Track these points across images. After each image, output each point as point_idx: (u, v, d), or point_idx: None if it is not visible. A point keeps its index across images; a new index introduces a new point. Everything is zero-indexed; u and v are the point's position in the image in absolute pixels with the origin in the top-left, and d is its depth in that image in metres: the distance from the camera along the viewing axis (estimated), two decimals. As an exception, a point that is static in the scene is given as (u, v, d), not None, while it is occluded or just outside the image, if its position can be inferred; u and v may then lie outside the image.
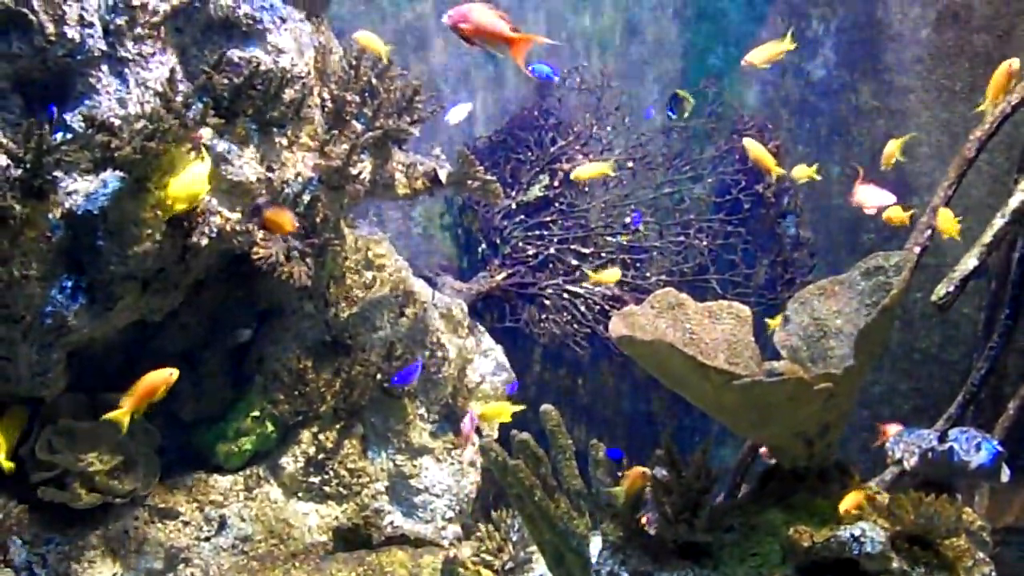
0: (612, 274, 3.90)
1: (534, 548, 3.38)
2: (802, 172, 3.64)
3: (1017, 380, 3.71)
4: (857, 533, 2.38)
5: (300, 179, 3.23)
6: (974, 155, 3.47)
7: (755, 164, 3.66)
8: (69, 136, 2.86)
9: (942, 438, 3.16)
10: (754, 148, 3.59)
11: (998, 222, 3.26)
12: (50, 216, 2.83)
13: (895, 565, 2.39)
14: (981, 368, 3.60)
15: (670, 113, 3.97)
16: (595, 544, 2.71)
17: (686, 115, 4.00)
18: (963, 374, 3.83)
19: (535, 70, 3.87)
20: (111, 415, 2.77)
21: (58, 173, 2.81)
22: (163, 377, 2.80)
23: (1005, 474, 3.15)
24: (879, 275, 2.55)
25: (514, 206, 4.27)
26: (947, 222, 3.23)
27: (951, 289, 3.15)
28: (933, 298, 3.17)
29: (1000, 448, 3.10)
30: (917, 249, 3.35)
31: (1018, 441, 3.62)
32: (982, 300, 3.87)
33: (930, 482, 3.06)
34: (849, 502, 2.44)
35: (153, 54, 3.01)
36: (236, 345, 3.52)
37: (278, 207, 3.11)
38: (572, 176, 3.85)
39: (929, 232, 3.40)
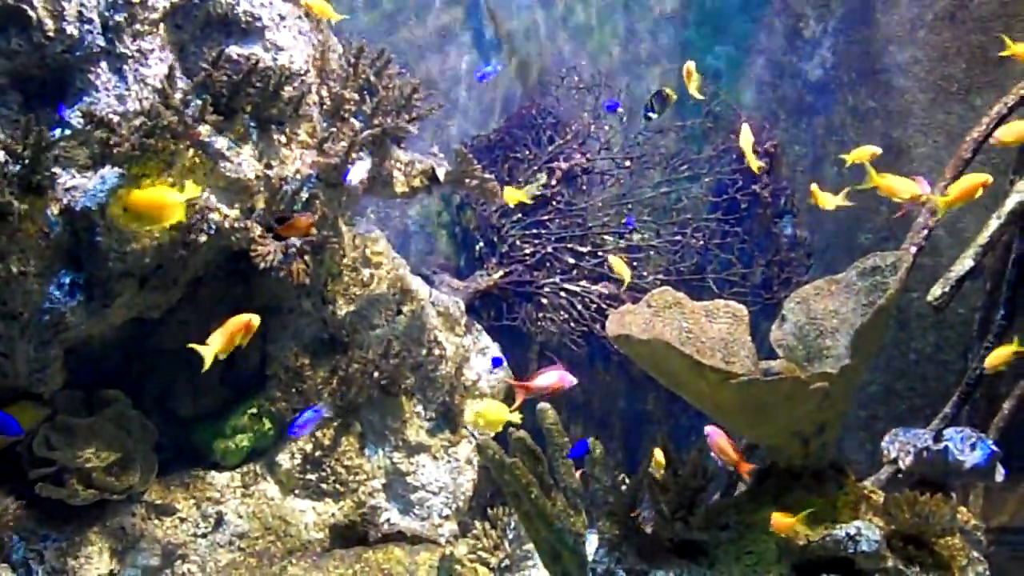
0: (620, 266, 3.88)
1: (531, 546, 3.39)
2: (828, 200, 3.49)
3: (1012, 380, 3.72)
4: (852, 532, 2.39)
5: (298, 176, 3.24)
6: (970, 156, 3.49)
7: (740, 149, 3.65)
8: (67, 132, 2.87)
9: (937, 437, 3.17)
10: (744, 137, 3.57)
11: (993, 223, 3.28)
12: (48, 212, 2.83)
13: (890, 563, 2.41)
14: (976, 368, 3.62)
15: (649, 113, 3.96)
16: (591, 542, 2.72)
17: (664, 113, 3.97)
18: (958, 374, 3.84)
19: (481, 75, 3.88)
20: (196, 346, 2.68)
21: (56, 169, 2.82)
22: (244, 321, 2.75)
23: (999, 474, 3.16)
24: (875, 275, 2.56)
25: (511, 204, 4.27)
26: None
27: (947, 290, 3.17)
28: (929, 298, 3.18)
29: (995, 448, 3.11)
30: (913, 249, 3.36)
31: (1012, 441, 3.63)
32: (978, 300, 3.88)
33: (925, 481, 3.07)
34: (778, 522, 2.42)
35: (152, 51, 3.02)
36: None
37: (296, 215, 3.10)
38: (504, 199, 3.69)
39: (925, 232, 3.42)
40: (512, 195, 3.62)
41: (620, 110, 4.24)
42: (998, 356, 3.17)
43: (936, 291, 3.18)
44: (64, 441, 3.12)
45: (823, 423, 2.50)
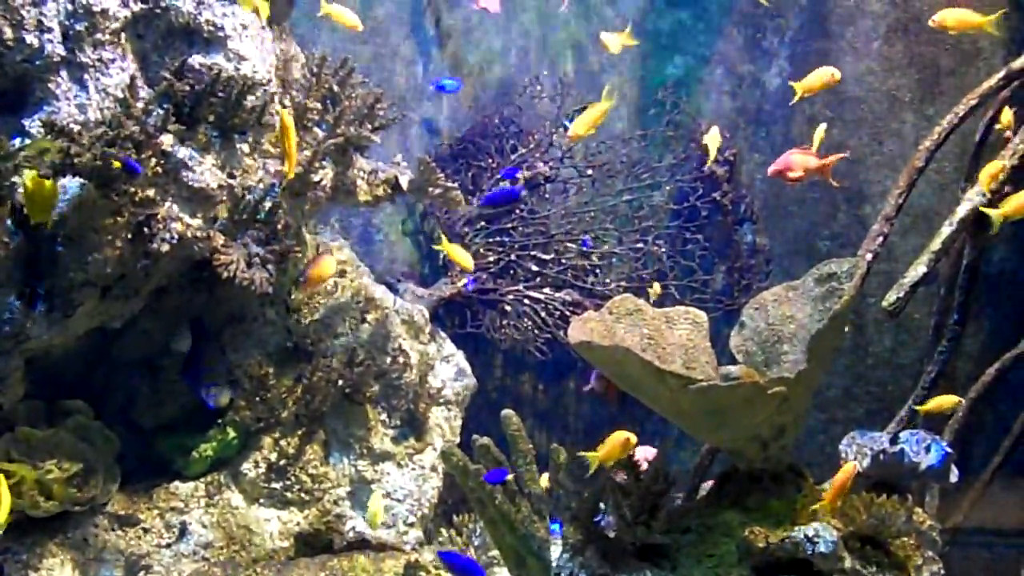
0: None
1: (496, 552, 3.41)
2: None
3: (966, 383, 3.81)
4: (811, 533, 2.43)
5: (262, 186, 3.24)
6: (923, 164, 3.56)
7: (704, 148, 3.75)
8: (28, 142, 2.85)
9: (893, 440, 3.23)
10: (711, 135, 3.67)
11: (946, 230, 3.35)
12: (8, 222, 2.81)
13: (847, 564, 2.45)
14: (931, 372, 3.69)
15: (566, 123, 4.04)
16: (555, 547, 2.74)
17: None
18: (915, 377, 3.91)
19: (444, 86, 3.89)
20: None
21: (16, 179, 2.80)
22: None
23: (954, 475, 3.23)
24: (831, 281, 2.62)
25: (475, 213, 4.29)
26: None
27: (901, 295, 3.23)
28: (884, 304, 3.24)
29: (949, 449, 3.18)
30: (869, 256, 3.42)
31: (966, 443, 3.71)
32: (932, 305, 3.97)
33: (882, 483, 3.13)
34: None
35: (113, 60, 3.00)
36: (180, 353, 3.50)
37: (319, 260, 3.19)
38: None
39: (881, 239, 3.48)
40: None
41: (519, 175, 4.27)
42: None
43: (891, 297, 3.24)
44: (24, 452, 3.09)
45: (782, 426, 2.54)
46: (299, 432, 3.53)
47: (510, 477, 2.73)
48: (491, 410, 3.25)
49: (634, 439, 2.55)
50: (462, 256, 3.74)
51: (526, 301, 4.24)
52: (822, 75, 3.31)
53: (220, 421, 3.46)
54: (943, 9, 3.21)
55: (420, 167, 3.61)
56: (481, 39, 4.44)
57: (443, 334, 4.02)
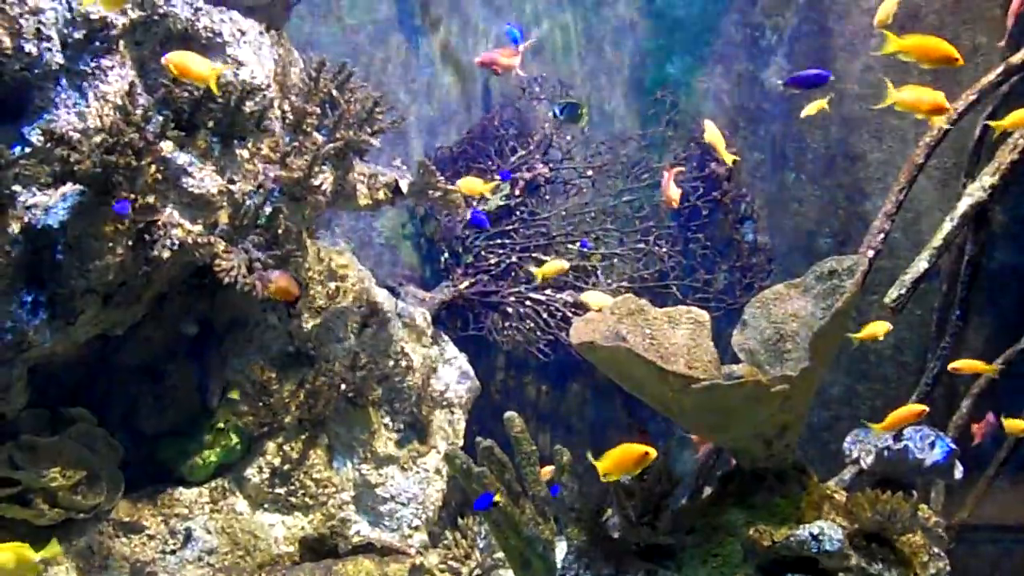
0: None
1: (501, 554, 3.41)
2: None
3: (969, 379, 3.80)
4: (816, 532, 2.43)
5: (261, 191, 3.24)
6: (923, 160, 3.56)
7: (710, 147, 3.73)
8: (28, 150, 2.85)
9: (897, 437, 3.23)
10: (710, 132, 3.65)
11: (947, 226, 3.35)
12: (9, 230, 2.81)
13: (853, 562, 2.45)
14: (934, 368, 3.69)
15: (556, 109, 4.05)
16: (560, 549, 2.74)
17: (583, 122, 4.08)
18: (918, 374, 3.91)
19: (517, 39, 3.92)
20: None
21: (17, 187, 2.80)
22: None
23: (958, 471, 3.22)
24: (833, 279, 2.61)
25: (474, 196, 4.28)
26: None
27: (903, 292, 3.23)
28: (886, 300, 3.25)
29: (953, 446, 3.18)
30: (870, 253, 3.42)
31: (971, 439, 3.70)
32: (935, 302, 3.96)
33: (887, 480, 3.13)
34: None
35: (112, 67, 3.01)
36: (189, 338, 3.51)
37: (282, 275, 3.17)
38: None
39: (882, 236, 3.48)
40: (472, 186, 3.69)
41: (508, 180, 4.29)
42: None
43: (893, 293, 3.24)
44: (28, 460, 3.09)
45: (785, 425, 2.54)
46: (302, 437, 3.53)
47: (498, 497, 2.71)
48: (494, 412, 3.25)
49: (653, 453, 2.51)
50: (555, 267, 3.89)
51: (528, 303, 4.24)
52: (932, 98, 3.09)
53: (223, 427, 3.46)
54: (939, 7, 3.19)
55: (420, 170, 3.61)
56: (479, 40, 4.43)
57: (445, 337, 4.02)
